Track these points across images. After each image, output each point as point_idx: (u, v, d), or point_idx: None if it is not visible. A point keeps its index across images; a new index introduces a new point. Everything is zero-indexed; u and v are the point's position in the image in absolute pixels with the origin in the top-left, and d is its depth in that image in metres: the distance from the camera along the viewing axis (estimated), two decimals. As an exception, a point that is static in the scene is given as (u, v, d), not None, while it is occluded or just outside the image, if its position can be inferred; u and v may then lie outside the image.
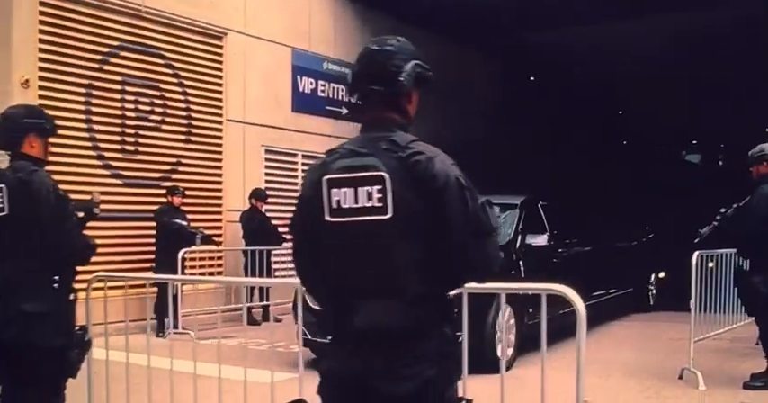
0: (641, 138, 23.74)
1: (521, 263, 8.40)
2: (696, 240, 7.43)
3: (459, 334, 2.90)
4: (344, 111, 13.82)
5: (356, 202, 2.43)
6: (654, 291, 12.89)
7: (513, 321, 7.91)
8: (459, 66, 16.00)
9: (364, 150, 2.48)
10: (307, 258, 2.66)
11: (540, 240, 8.82)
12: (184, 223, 10.20)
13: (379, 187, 2.40)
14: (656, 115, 21.29)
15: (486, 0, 13.81)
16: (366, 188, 2.41)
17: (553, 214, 9.62)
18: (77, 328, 3.97)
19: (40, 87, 9.37)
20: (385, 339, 2.42)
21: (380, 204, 2.40)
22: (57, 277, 3.83)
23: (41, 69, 9.40)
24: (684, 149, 28.68)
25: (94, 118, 9.98)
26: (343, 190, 2.44)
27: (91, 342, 4.02)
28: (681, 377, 7.27)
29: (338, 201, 2.45)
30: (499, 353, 7.45)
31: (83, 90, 9.87)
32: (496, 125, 17.24)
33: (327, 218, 2.46)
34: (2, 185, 3.80)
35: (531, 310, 7.75)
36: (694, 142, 28.25)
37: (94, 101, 9.98)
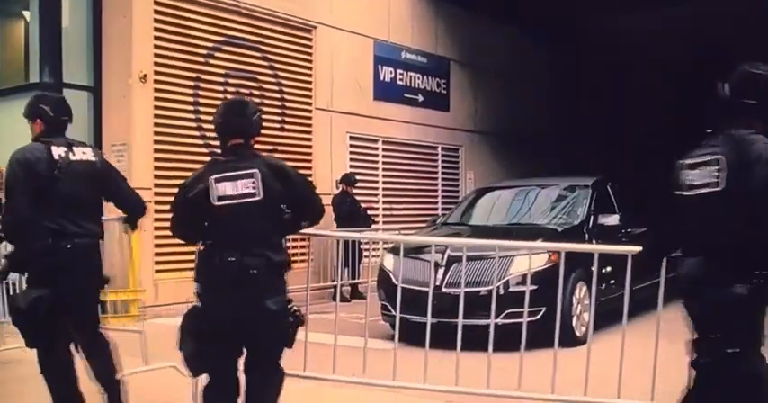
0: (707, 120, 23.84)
1: (594, 241, 8.59)
2: None
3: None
4: (421, 98, 14.45)
5: (699, 180, 3.51)
6: None
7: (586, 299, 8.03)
8: (526, 52, 16.52)
9: (715, 145, 3.53)
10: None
11: (612, 220, 9.01)
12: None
13: (716, 167, 3.45)
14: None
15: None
16: (707, 169, 3.49)
17: (623, 195, 10.00)
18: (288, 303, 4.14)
19: (155, 81, 10.12)
20: None
21: (716, 179, 3.43)
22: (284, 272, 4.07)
23: (156, 64, 10.14)
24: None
25: (201, 109, 10.70)
26: (695, 171, 3.54)
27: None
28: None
29: (691, 180, 3.56)
30: (578, 332, 7.85)
31: (191, 83, 10.60)
32: (565, 110, 17.69)
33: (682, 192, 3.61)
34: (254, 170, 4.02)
35: (603, 287, 7.70)
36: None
37: (201, 92, 10.71)
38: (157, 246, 9.99)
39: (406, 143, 14.20)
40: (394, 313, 7.56)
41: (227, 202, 3.94)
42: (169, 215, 4.26)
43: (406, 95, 14.13)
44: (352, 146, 13.08)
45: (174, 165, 10.23)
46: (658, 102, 21.71)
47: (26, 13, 10.83)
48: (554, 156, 16.37)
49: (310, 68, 12.35)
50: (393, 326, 8.05)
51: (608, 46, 17.70)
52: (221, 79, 10.99)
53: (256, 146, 4.17)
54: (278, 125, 11.80)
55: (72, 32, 10.16)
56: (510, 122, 16.26)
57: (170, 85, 10.31)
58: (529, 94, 16.88)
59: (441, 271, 7.77)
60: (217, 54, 10.93)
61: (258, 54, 11.53)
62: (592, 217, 9.04)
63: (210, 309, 3.96)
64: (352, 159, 13.03)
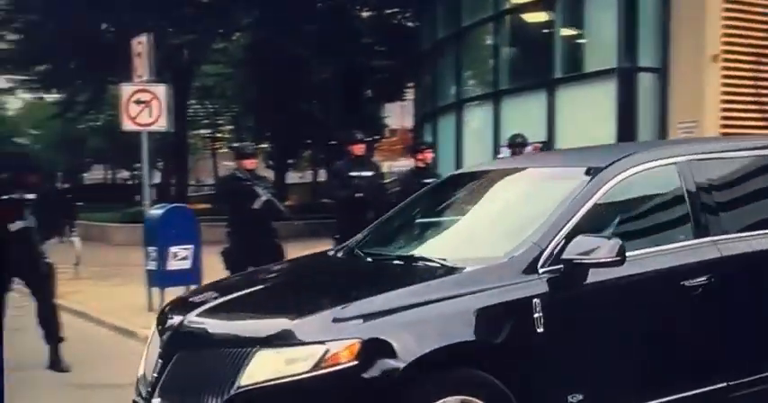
0: None
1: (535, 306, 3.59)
2: None
3: None
4: None
5: None
6: None
7: None
8: None
9: None
10: None
11: (601, 250, 3.61)
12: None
13: None
14: None
15: None
16: None
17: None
18: None
19: (724, 60, 10.73)
20: None
21: None
22: None
23: (724, 43, 10.74)
24: None
25: (761, 83, 11.09)
26: None
27: None
28: None
29: None
30: None
31: (752, 59, 11.01)
32: None
33: None
34: None
35: None
36: None
37: (762, 68, 11.07)
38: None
39: None
40: None
41: None
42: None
43: None
44: None
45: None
46: None
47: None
48: None
49: None
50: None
51: None
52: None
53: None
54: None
55: (643, 19, 11.14)
56: None
57: (735, 62, 10.84)
58: None
59: (159, 365, 3.83)
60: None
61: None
62: (555, 244, 3.76)
63: None
64: None
